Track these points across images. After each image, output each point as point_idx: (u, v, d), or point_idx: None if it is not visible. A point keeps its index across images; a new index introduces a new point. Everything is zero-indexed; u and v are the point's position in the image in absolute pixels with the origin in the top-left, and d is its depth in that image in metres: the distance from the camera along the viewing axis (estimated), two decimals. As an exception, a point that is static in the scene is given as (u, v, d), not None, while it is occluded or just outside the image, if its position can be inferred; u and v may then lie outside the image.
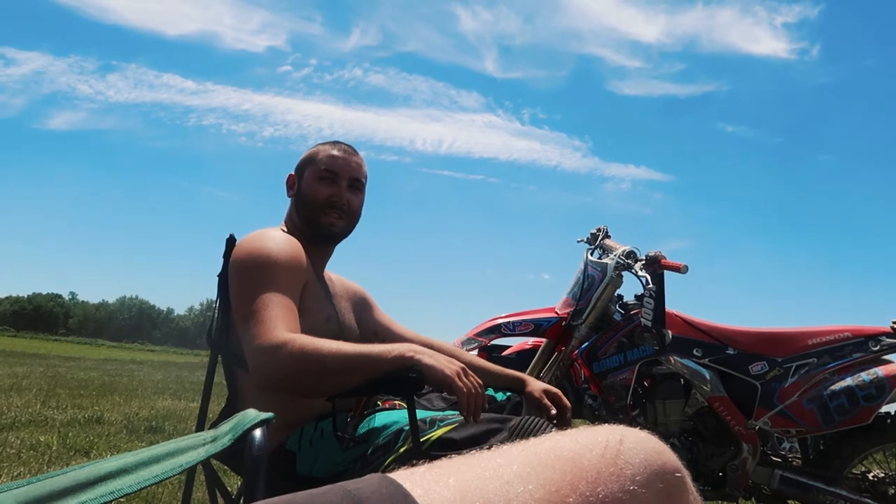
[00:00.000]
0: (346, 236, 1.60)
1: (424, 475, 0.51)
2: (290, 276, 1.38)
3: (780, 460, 2.62)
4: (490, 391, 1.67)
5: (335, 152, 1.57)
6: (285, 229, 1.57)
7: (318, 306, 1.47)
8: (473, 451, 0.55)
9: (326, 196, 1.53)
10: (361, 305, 1.69)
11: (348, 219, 1.57)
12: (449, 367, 1.21)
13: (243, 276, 1.38)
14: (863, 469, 2.62)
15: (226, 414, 1.45)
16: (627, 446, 0.55)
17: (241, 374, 1.44)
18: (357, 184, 1.58)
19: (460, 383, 1.20)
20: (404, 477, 0.51)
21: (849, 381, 2.46)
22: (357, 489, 0.49)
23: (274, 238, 1.45)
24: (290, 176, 1.61)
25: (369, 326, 1.67)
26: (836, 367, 2.51)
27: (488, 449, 0.56)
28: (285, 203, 1.64)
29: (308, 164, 1.58)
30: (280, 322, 1.27)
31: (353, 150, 1.61)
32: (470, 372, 1.24)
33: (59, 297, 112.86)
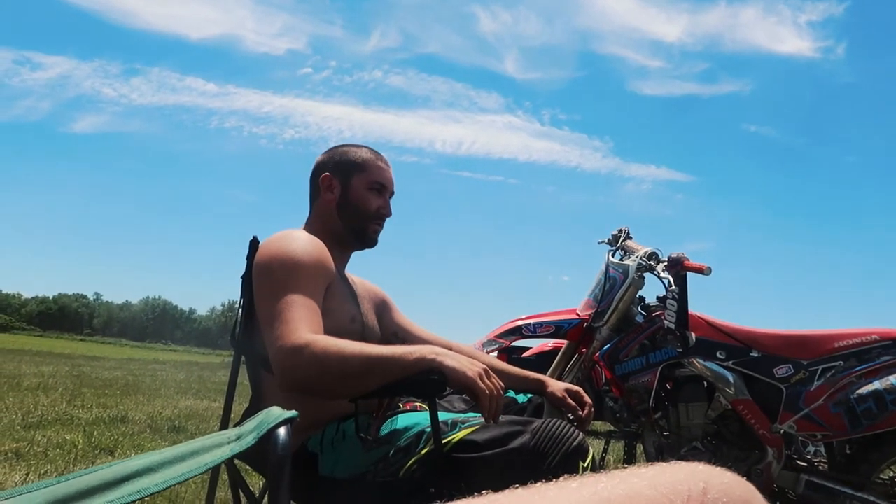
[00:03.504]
0: None
1: None
2: (314, 278, 1.38)
3: (805, 465, 2.58)
4: (511, 393, 1.67)
5: (381, 164, 1.62)
6: (309, 231, 1.56)
7: (342, 307, 1.47)
8: (538, 486, 0.50)
9: (377, 208, 1.58)
10: (382, 307, 1.70)
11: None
12: (471, 368, 1.21)
13: (267, 277, 1.38)
14: (891, 474, 2.57)
15: (249, 414, 1.46)
16: (712, 497, 0.48)
17: (265, 375, 1.45)
18: (392, 195, 1.64)
19: (482, 385, 1.20)
20: None
21: (877, 385, 2.41)
22: None
23: (298, 239, 1.45)
24: (327, 177, 1.58)
25: (389, 328, 1.68)
26: (863, 370, 2.46)
27: (554, 482, 0.51)
28: (305, 203, 1.64)
29: (356, 170, 1.58)
30: (303, 323, 1.27)
31: (388, 161, 1.66)
32: (492, 373, 1.24)
33: (84, 297, 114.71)
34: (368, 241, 1.60)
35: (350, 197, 1.57)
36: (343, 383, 1.23)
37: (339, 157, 1.61)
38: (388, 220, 1.63)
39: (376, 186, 1.58)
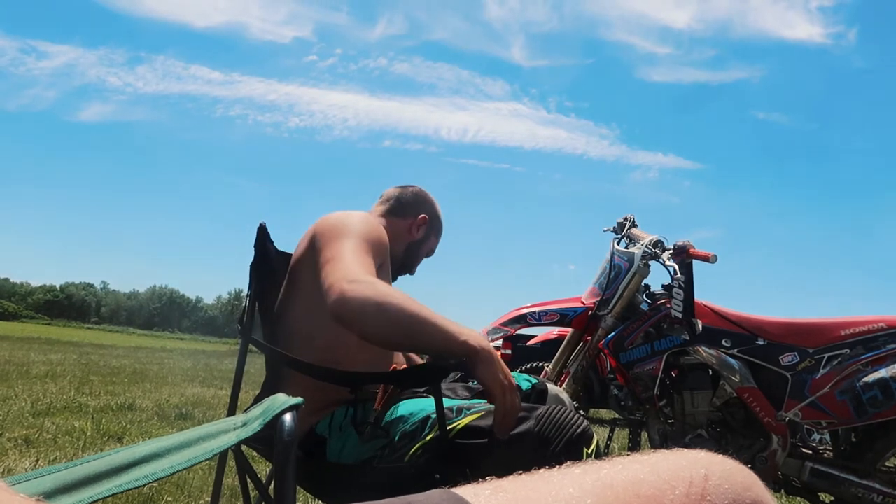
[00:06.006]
0: None
1: (490, 498, 0.48)
2: (374, 248, 1.40)
3: (810, 452, 2.58)
4: (515, 380, 1.67)
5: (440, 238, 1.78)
6: None
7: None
8: (542, 472, 0.51)
9: (415, 267, 1.75)
10: None
11: None
12: (503, 382, 1.18)
13: (336, 227, 1.40)
14: (896, 462, 2.58)
15: (260, 400, 1.46)
16: (714, 483, 0.49)
17: (279, 362, 1.45)
18: None
19: (504, 400, 1.18)
20: (469, 494, 0.48)
21: (883, 373, 2.41)
22: (420, 502, 0.47)
23: (364, 215, 1.49)
24: (426, 219, 1.71)
25: None
26: (869, 358, 2.46)
27: (557, 468, 0.51)
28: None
29: (435, 233, 1.76)
30: (368, 268, 1.29)
31: None
32: (516, 392, 1.20)
33: (91, 286, 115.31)
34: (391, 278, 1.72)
35: (420, 248, 1.72)
36: (391, 331, 1.20)
37: (437, 211, 1.76)
38: None
39: (430, 254, 1.76)
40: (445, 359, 1.21)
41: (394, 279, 1.72)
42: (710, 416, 2.55)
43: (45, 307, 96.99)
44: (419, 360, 1.78)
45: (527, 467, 0.53)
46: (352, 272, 1.24)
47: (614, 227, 2.93)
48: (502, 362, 1.21)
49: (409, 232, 1.69)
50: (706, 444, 2.48)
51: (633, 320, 2.62)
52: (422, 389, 1.52)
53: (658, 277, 2.80)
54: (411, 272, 1.75)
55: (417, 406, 1.35)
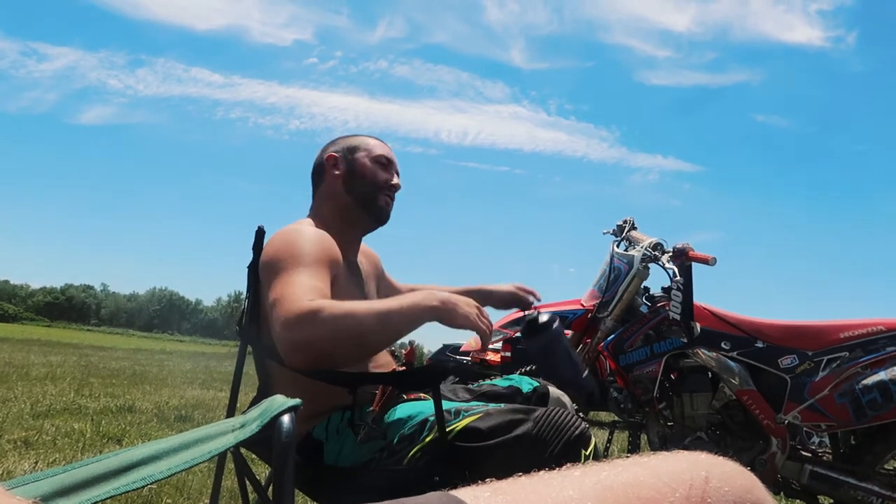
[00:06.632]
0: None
1: (489, 500, 0.48)
2: (319, 264, 1.35)
3: (809, 455, 2.58)
4: (516, 382, 1.67)
5: (384, 144, 1.64)
6: (313, 224, 1.52)
7: (346, 295, 1.46)
8: (541, 474, 0.51)
9: (385, 180, 1.58)
10: (380, 278, 1.75)
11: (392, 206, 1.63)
12: (470, 314, 1.30)
13: (273, 266, 1.35)
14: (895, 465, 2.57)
15: (256, 403, 1.46)
16: (714, 485, 0.50)
17: (272, 364, 1.45)
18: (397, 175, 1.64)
19: (481, 325, 1.31)
20: (468, 496, 0.48)
21: (882, 376, 2.41)
22: None
23: (303, 232, 1.43)
24: (332, 156, 1.59)
25: (384, 293, 1.72)
26: (869, 360, 2.45)
27: (557, 470, 0.51)
28: (310, 193, 1.65)
29: (359, 148, 1.60)
30: (307, 294, 1.23)
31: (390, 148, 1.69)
32: (483, 310, 1.35)
33: (91, 288, 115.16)
34: (379, 212, 1.58)
35: (357, 170, 1.57)
36: (359, 343, 1.21)
37: (341, 140, 1.64)
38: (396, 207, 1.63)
39: (382, 160, 1.59)
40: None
41: (377, 220, 1.59)
42: (710, 419, 2.55)
43: (44, 309, 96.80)
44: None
45: (525, 469, 0.53)
46: (292, 312, 1.18)
47: (614, 230, 2.93)
48: (458, 297, 1.31)
49: (332, 178, 1.58)
50: (706, 447, 2.48)
51: (632, 323, 2.62)
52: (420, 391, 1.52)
53: (657, 280, 2.79)
54: (384, 197, 1.58)
55: (416, 408, 1.35)
